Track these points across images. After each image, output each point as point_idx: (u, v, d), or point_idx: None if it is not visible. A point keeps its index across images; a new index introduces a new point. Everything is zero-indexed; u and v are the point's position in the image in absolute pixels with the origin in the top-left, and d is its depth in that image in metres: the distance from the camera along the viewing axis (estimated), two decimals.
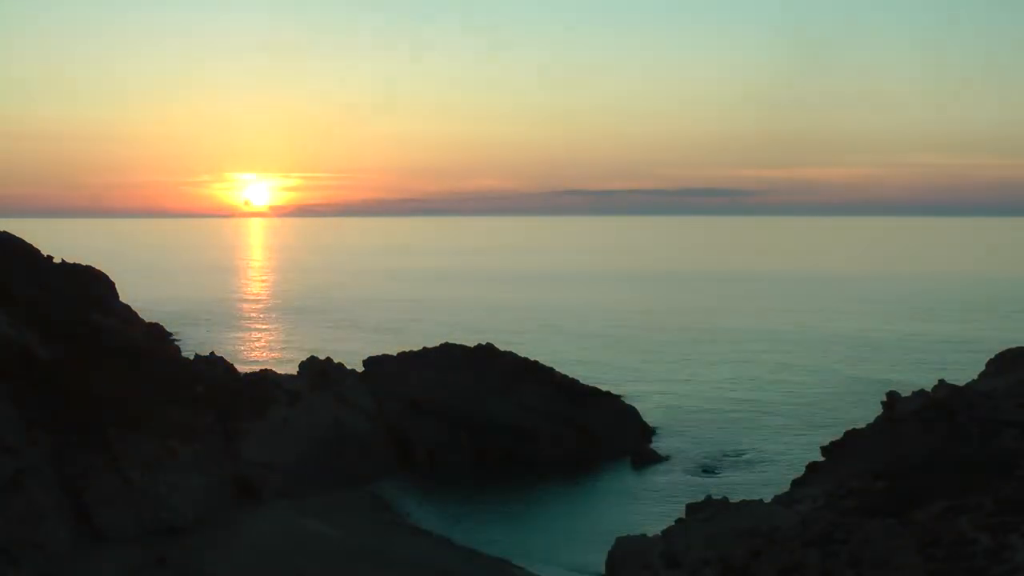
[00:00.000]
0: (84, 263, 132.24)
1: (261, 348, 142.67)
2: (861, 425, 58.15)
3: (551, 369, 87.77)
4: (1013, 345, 69.59)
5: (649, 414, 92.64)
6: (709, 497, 49.90)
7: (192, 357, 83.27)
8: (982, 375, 66.53)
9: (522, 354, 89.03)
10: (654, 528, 51.81)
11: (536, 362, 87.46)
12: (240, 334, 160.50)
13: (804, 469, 57.46)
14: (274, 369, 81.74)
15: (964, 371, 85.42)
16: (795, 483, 55.40)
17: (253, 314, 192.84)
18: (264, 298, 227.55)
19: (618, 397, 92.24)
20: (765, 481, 71.95)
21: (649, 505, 68.98)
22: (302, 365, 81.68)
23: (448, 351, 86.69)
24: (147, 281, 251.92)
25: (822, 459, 57.00)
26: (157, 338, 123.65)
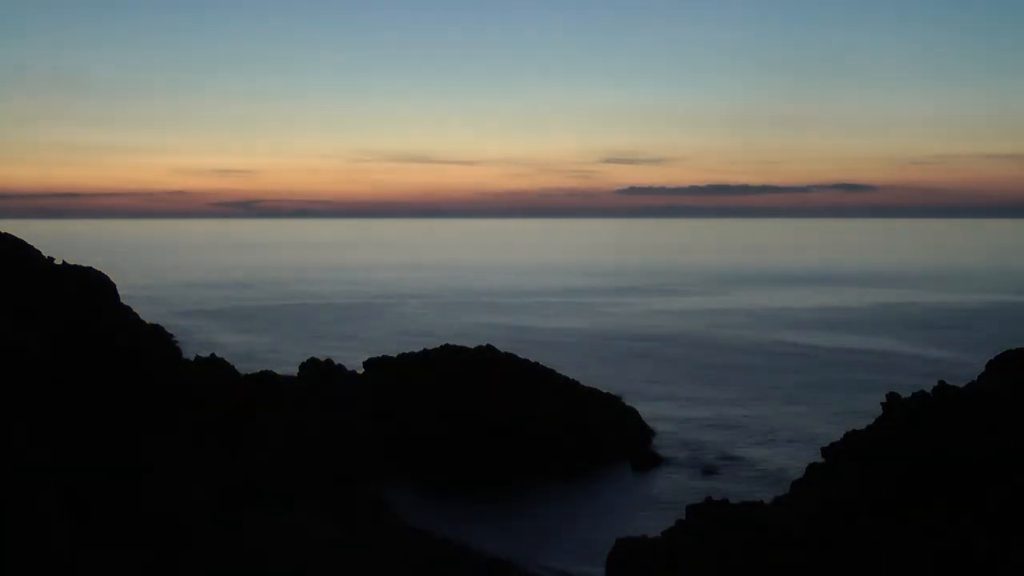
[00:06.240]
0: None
1: (261, 349, 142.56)
2: (861, 426, 58.11)
3: (551, 371, 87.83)
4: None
5: (649, 416, 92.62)
6: (709, 498, 49.94)
7: (193, 358, 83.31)
8: (982, 376, 66.48)
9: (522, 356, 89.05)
10: (654, 530, 51.87)
11: (536, 363, 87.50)
12: (241, 335, 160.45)
13: (804, 470, 57.41)
14: (274, 370, 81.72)
15: (964, 372, 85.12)
16: (795, 484, 55.36)
17: (254, 315, 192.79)
18: (266, 299, 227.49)
19: (618, 398, 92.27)
20: (765, 482, 72.00)
21: (649, 507, 69.00)
22: (302, 366, 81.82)
23: (449, 353, 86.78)
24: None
25: (822, 460, 56.96)
26: (157, 339, 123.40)
